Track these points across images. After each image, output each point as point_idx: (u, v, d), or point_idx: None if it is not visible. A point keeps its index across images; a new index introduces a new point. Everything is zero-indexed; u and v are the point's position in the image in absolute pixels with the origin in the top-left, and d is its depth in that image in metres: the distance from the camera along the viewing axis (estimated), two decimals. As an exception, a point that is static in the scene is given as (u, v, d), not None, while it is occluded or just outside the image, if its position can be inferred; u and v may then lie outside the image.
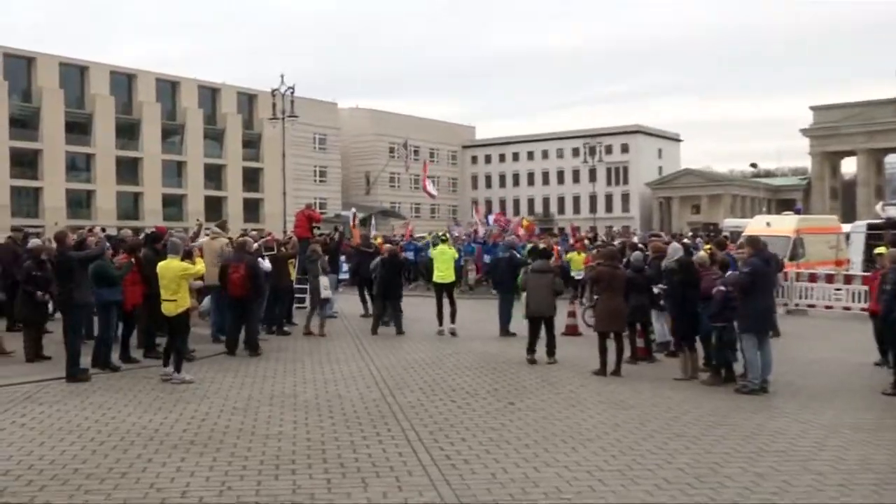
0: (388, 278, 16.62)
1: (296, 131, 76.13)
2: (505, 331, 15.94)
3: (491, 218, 32.49)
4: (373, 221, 29.80)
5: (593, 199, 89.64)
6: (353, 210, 26.89)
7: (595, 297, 12.58)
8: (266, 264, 15.06)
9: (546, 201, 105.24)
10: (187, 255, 12.40)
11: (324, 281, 16.25)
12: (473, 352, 13.98)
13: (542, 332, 12.98)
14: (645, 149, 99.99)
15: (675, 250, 12.72)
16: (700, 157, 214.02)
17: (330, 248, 19.14)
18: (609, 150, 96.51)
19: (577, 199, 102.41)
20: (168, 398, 9.84)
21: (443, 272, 16.63)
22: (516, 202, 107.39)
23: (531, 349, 12.82)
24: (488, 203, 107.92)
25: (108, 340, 11.91)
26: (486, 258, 24.69)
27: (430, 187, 35.30)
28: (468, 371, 11.98)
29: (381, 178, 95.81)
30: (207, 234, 16.75)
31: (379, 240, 24.31)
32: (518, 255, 17.33)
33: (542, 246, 18.43)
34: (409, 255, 26.76)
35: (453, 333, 15.96)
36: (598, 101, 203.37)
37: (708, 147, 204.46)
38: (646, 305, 13.01)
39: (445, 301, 16.37)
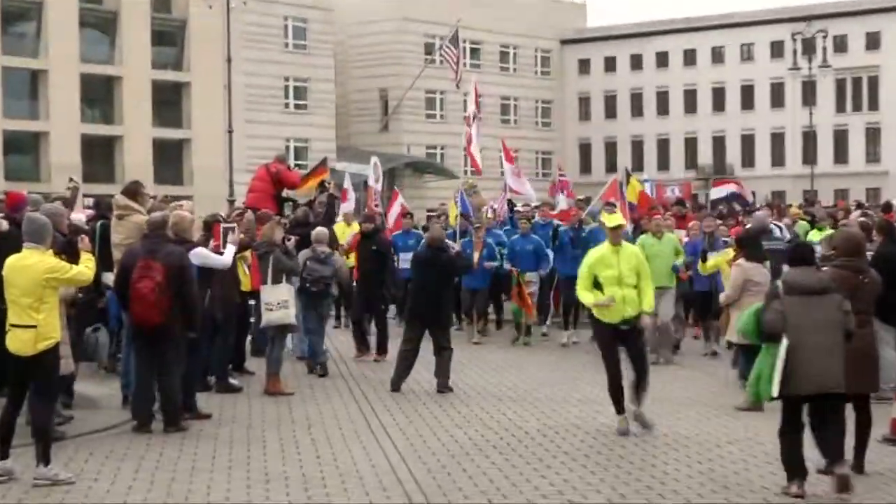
0: (428, 288, 16.86)
1: (251, 15, 76.07)
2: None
3: (561, 198, 30.67)
4: (373, 179, 28.44)
5: (809, 137, 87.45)
6: (375, 161, 26.79)
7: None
8: (226, 258, 15.41)
9: (718, 143, 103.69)
10: (67, 247, 12.54)
11: (275, 292, 16.61)
12: (587, 429, 13.98)
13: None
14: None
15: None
16: None
17: (308, 230, 19.52)
18: (841, 44, 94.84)
19: (777, 139, 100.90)
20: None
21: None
22: (662, 143, 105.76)
23: (795, 469, 10.99)
24: (609, 146, 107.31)
25: None
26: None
27: (476, 153, 30.60)
28: (578, 465, 11.96)
29: (408, 102, 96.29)
30: (88, 207, 16.92)
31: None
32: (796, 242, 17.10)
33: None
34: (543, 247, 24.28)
35: (643, 424, 14.68)
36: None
37: None
38: None
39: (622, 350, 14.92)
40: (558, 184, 31.80)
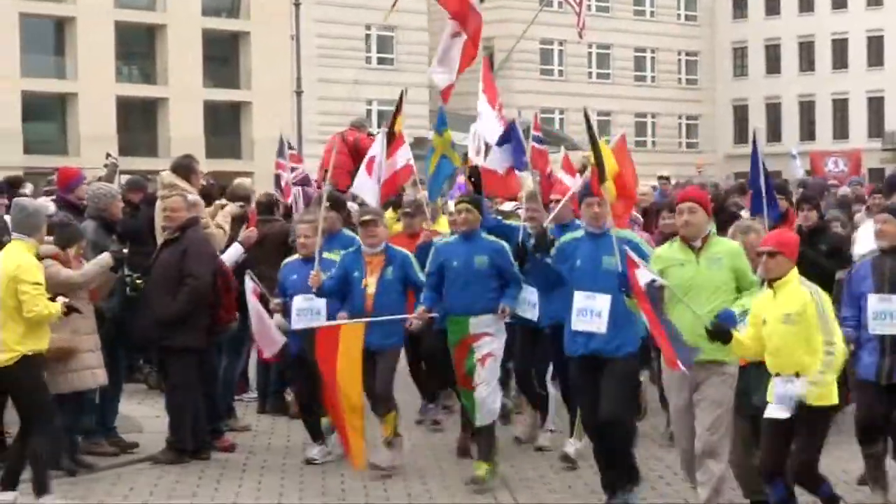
0: None
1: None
2: None
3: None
4: (473, 151, 27.19)
5: None
6: (476, 128, 27.03)
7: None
8: (234, 252, 15.80)
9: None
10: (64, 239, 12.91)
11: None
12: (677, 486, 13.34)
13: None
14: None
15: None
16: None
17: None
18: None
19: None
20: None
21: None
22: (839, 105, 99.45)
23: None
24: (772, 109, 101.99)
25: None
26: None
27: None
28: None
29: (518, 56, 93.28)
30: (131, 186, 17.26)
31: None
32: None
33: None
34: None
35: None
36: None
37: None
38: None
39: None
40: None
